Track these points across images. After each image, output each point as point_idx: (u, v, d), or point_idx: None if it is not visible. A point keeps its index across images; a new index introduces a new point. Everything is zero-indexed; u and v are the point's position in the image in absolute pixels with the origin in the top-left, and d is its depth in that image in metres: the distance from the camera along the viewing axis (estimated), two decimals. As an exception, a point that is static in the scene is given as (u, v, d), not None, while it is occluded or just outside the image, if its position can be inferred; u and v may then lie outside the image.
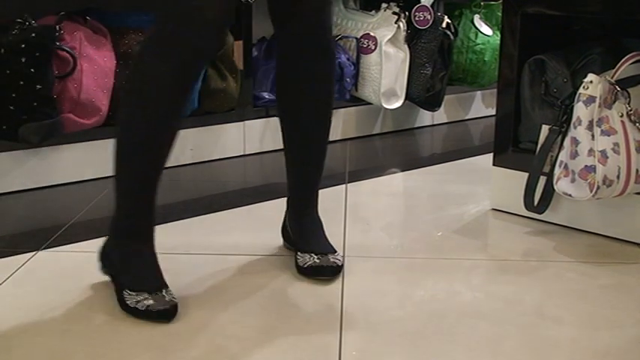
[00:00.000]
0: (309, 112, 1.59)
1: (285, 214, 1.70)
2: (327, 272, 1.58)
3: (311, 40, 1.53)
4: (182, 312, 1.42)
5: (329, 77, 1.60)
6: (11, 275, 1.58)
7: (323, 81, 1.58)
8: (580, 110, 1.71)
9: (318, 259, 1.59)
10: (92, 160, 2.30)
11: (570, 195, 1.72)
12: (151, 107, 1.40)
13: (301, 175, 1.65)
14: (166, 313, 1.39)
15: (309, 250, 1.61)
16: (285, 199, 1.69)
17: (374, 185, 2.32)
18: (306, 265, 1.58)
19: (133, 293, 1.41)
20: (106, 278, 1.56)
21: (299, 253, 1.62)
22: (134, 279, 1.44)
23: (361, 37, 2.84)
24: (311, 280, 1.57)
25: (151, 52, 1.38)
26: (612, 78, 1.71)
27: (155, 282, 1.44)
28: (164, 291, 1.42)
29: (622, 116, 1.70)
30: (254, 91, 2.64)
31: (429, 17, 2.86)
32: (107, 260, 1.51)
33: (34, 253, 1.70)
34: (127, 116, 1.44)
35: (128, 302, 1.41)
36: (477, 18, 3.17)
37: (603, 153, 1.67)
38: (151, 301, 1.40)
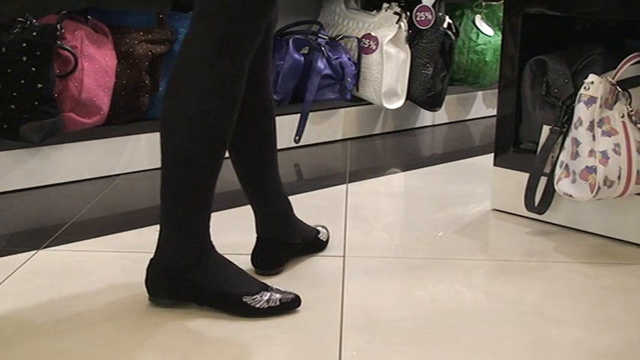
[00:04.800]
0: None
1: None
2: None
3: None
4: (181, 312, 1.42)
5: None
6: (12, 274, 1.58)
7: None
8: (581, 111, 1.71)
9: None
10: (93, 159, 2.30)
11: (571, 195, 1.72)
12: None
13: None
14: (298, 299, 1.43)
15: (314, 227, 1.73)
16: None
17: (374, 185, 2.32)
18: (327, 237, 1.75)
19: (256, 295, 1.40)
20: (106, 277, 1.57)
21: (318, 235, 1.72)
22: (246, 283, 1.42)
23: (362, 37, 2.84)
24: (311, 279, 1.57)
25: None
26: (613, 79, 1.71)
27: (255, 280, 1.46)
28: (270, 287, 1.44)
29: (623, 117, 1.70)
30: (255, 90, 2.64)
31: (430, 17, 2.86)
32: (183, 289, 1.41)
33: (34, 252, 1.70)
34: None
35: (258, 306, 1.40)
36: (478, 18, 3.17)
37: (604, 154, 1.67)
38: (278, 295, 1.42)
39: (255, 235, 1.61)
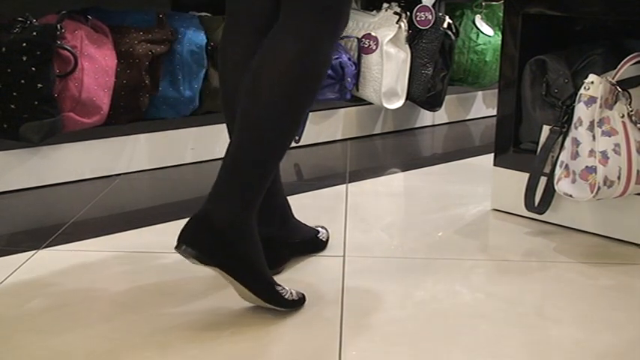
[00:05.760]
0: None
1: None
2: None
3: None
4: (182, 311, 1.42)
5: None
6: (12, 274, 1.58)
7: None
8: (581, 111, 1.71)
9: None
10: (93, 159, 2.30)
11: (571, 195, 1.72)
12: None
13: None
14: (304, 296, 1.47)
15: (313, 228, 1.74)
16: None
17: (374, 185, 2.32)
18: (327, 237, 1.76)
19: (282, 287, 1.42)
20: (105, 277, 1.57)
21: (317, 235, 1.73)
22: (269, 273, 1.43)
23: (362, 36, 2.84)
24: (311, 279, 1.58)
25: None
26: (613, 79, 1.71)
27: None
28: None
29: (623, 117, 1.70)
30: (255, 90, 2.64)
31: (430, 17, 2.86)
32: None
33: (34, 251, 1.70)
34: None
35: (287, 297, 1.42)
36: (478, 18, 3.17)
37: (604, 154, 1.67)
38: (293, 290, 1.45)
39: None
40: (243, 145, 1.35)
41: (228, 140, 1.58)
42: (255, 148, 1.35)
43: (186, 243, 1.32)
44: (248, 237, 1.36)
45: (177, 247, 1.32)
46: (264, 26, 1.48)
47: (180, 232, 1.33)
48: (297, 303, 1.44)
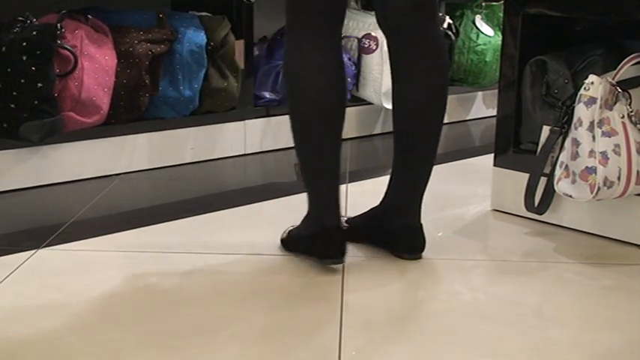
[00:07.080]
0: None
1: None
2: None
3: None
4: (181, 311, 1.42)
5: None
6: (11, 273, 1.58)
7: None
8: (581, 111, 1.71)
9: None
10: (92, 159, 2.30)
11: (571, 196, 1.72)
12: None
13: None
14: None
15: None
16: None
17: (374, 185, 2.32)
18: None
19: None
20: (105, 277, 1.57)
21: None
22: None
23: (362, 37, 2.84)
24: (311, 279, 1.57)
25: None
26: (613, 79, 1.71)
27: None
28: None
29: (623, 117, 1.70)
30: (255, 90, 2.64)
31: (430, 17, 2.86)
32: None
33: (34, 251, 1.70)
34: None
35: None
36: (478, 18, 3.18)
37: (604, 154, 1.67)
38: None
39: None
40: (422, 163, 1.71)
41: (300, 141, 1.60)
42: (429, 162, 1.71)
43: (420, 250, 1.70)
44: None
45: (412, 257, 1.69)
46: (336, 20, 1.57)
47: (407, 246, 1.70)
48: None
